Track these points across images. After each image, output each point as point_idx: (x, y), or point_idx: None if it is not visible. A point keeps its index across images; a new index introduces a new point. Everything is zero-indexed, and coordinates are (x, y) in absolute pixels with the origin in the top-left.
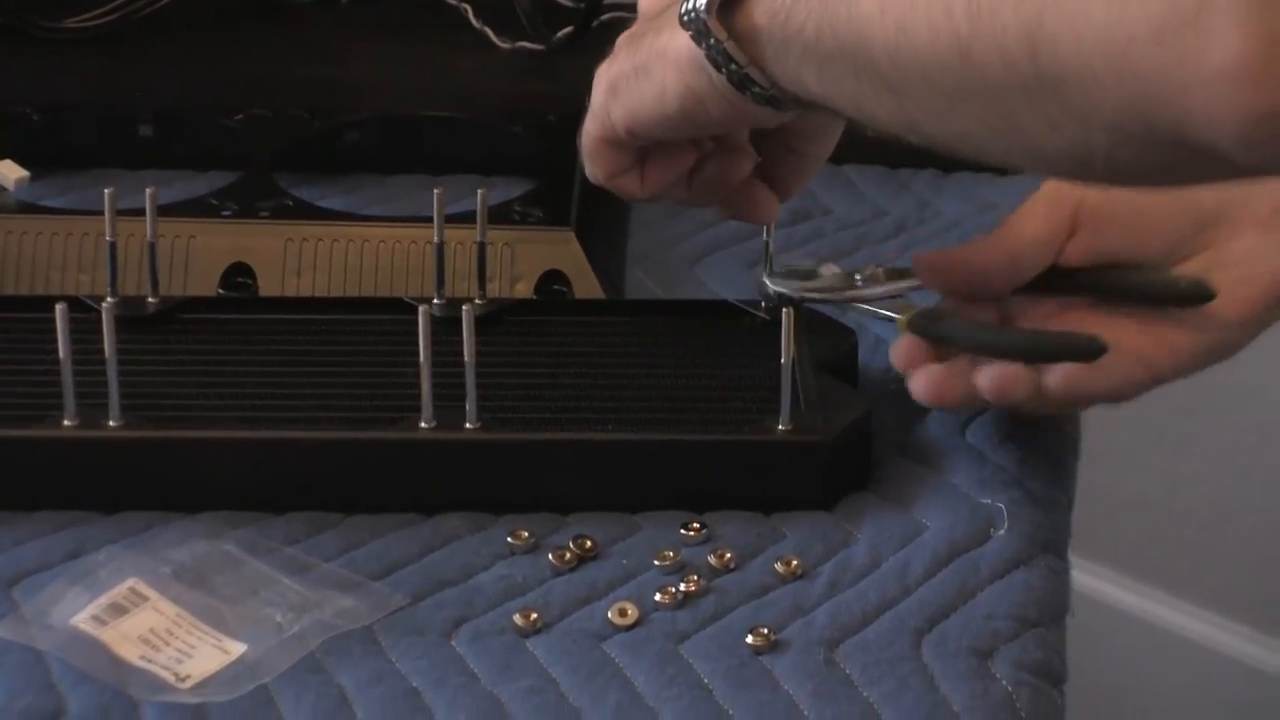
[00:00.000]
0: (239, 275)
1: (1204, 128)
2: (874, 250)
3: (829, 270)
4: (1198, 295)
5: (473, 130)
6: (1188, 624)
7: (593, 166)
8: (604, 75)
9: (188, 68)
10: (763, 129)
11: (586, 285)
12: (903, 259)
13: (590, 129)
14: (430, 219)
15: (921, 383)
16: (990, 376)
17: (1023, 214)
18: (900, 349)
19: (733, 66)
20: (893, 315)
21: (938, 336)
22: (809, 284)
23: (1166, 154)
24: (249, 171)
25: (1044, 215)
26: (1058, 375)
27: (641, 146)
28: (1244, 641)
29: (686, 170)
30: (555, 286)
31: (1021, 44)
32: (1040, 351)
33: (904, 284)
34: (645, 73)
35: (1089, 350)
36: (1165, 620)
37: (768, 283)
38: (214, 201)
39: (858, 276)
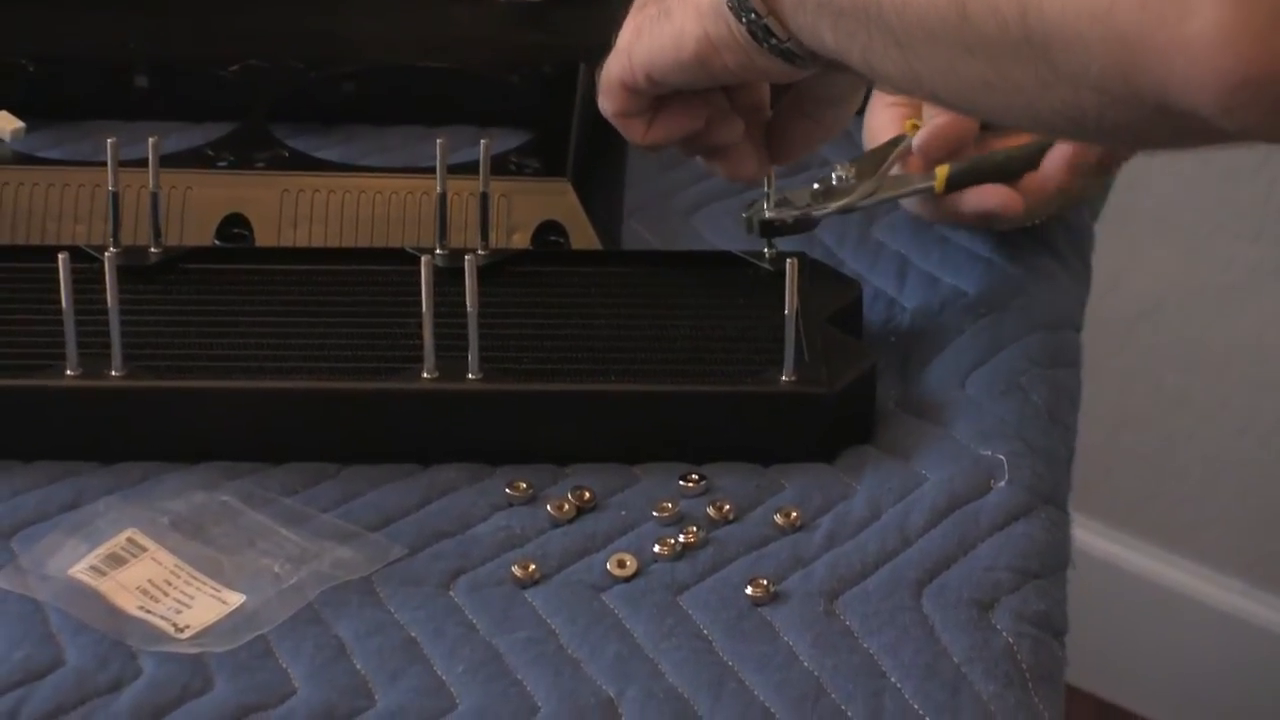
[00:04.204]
0: (235, 226)
1: (1184, 93)
2: None
3: (796, 194)
4: None
5: (469, 81)
6: (1183, 579)
7: (604, 101)
8: (633, 18)
9: (184, 19)
10: (780, 88)
11: (583, 236)
12: (850, 154)
13: (611, 67)
14: (426, 170)
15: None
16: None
17: None
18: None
19: (752, 16)
20: (924, 185)
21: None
22: (801, 206)
23: (1153, 117)
24: (245, 123)
25: None
26: None
27: (656, 96)
28: (1238, 596)
29: (693, 130)
30: (552, 237)
31: (1012, 3)
32: None
33: (889, 166)
34: (667, 16)
35: None
36: (1160, 575)
37: (769, 214)
38: (210, 152)
39: (834, 178)
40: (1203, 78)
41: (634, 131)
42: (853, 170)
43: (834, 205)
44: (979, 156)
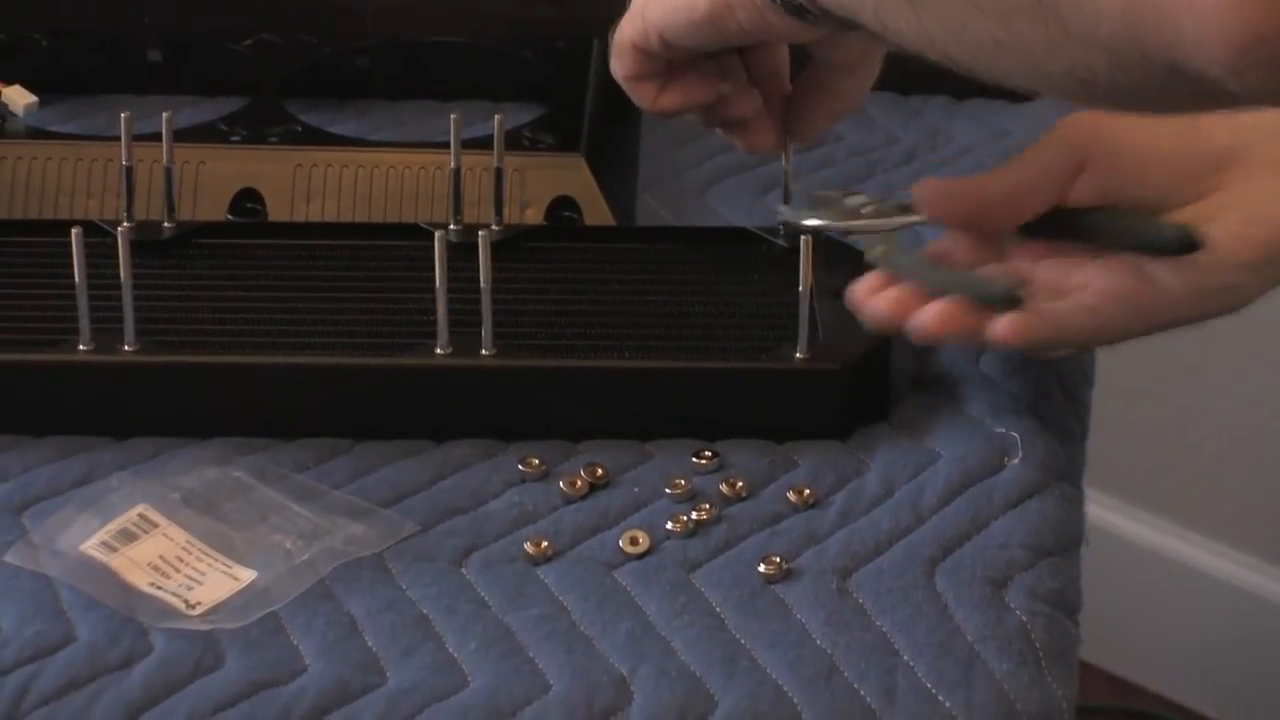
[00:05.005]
0: (248, 201)
1: (1194, 53)
2: (885, 178)
3: (855, 201)
4: (1184, 245)
5: (483, 56)
6: (1197, 555)
7: (616, 64)
8: None
9: None
10: (798, 63)
11: (597, 212)
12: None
13: (624, 29)
14: (440, 145)
15: (880, 305)
16: (929, 313)
17: (1030, 153)
18: (865, 283)
19: None
20: (874, 250)
21: (901, 268)
22: (825, 213)
23: (1163, 79)
24: (258, 97)
25: (1052, 153)
26: (1002, 323)
27: (669, 60)
28: (1253, 572)
29: (704, 102)
30: (565, 213)
31: None
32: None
33: (906, 219)
34: None
35: (1008, 298)
36: (1175, 551)
37: (782, 210)
38: (223, 127)
39: (865, 204)
40: (1210, 38)
41: (645, 96)
42: (890, 207)
43: (817, 222)
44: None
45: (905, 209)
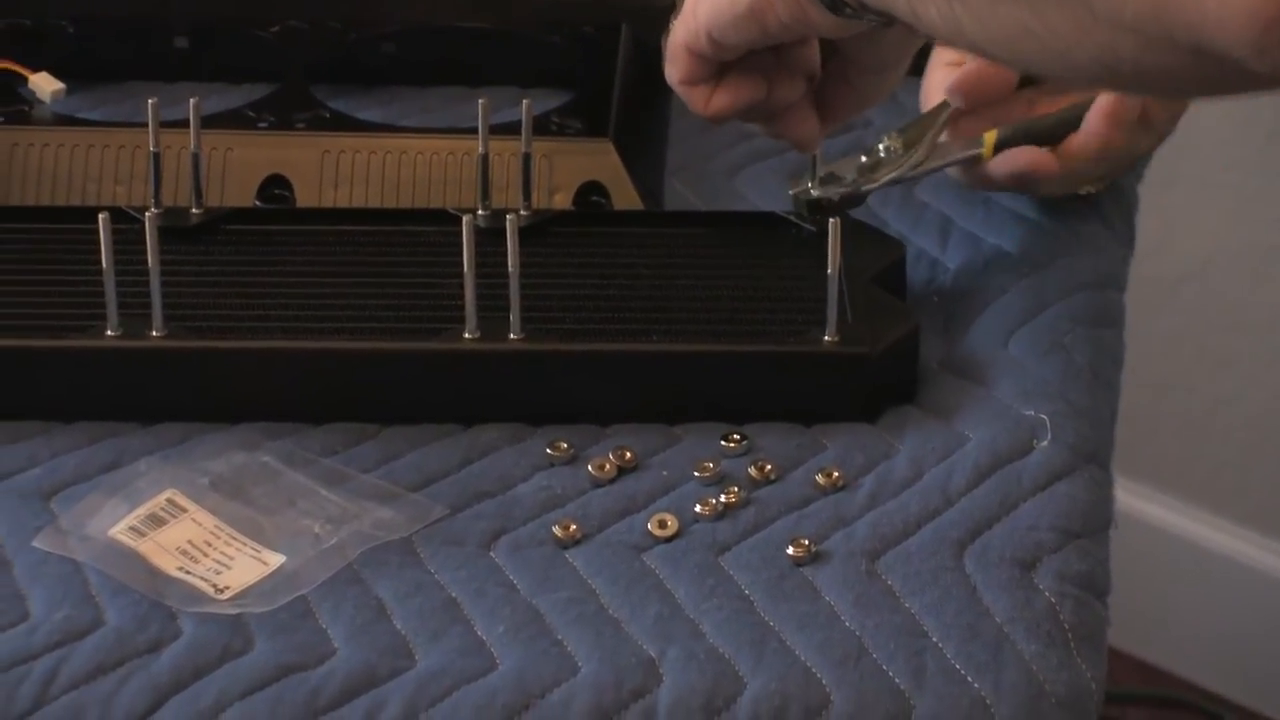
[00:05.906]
0: (276, 187)
1: (1217, 33)
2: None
3: (842, 166)
4: None
5: (510, 41)
6: (1226, 541)
7: (670, 69)
8: None
9: None
10: (826, 57)
11: (625, 196)
12: (898, 120)
13: (677, 31)
14: (467, 130)
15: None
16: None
17: None
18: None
19: None
20: (972, 152)
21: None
22: (849, 182)
23: (1188, 61)
24: (285, 84)
25: None
26: None
27: (720, 63)
28: None
29: (753, 101)
30: (594, 198)
31: None
32: None
33: (936, 134)
34: None
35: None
36: (1204, 538)
37: (816, 192)
38: (250, 113)
39: (881, 150)
40: (1234, 16)
41: (698, 100)
42: (899, 140)
43: (883, 179)
44: (1028, 120)
45: (914, 130)
